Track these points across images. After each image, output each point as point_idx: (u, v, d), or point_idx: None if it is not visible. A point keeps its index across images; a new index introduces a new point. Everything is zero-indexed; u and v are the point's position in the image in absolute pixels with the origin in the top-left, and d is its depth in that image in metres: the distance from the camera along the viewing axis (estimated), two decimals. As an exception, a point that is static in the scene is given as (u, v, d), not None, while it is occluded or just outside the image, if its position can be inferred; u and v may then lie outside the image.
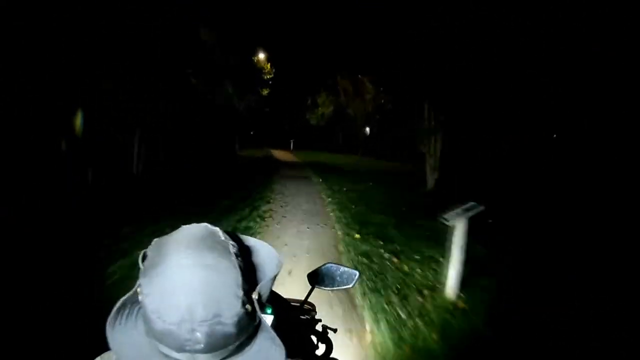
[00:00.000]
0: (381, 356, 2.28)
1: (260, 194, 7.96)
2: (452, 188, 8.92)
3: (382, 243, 4.43)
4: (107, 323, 0.48)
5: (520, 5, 7.46)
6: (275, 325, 0.61)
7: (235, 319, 0.44)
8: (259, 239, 0.62)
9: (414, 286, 3.20)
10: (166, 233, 0.51)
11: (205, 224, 0.53)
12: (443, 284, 3.02)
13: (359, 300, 2.98)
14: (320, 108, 25.27)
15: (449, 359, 2.22)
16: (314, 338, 1.16)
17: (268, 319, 0.65)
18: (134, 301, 0.50)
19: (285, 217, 5.82)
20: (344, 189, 9.39)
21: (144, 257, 0.49)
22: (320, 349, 1.16)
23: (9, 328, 2.16)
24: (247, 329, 0.47)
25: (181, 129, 11.50)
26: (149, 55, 8.00)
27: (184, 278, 0.44)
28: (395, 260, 3.85)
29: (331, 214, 6.25)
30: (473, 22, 7.43)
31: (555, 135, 14.17)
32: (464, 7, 7.49)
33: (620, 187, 8.74)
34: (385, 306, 2.83)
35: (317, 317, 1.21)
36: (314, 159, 19.91)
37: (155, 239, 0.51)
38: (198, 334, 0.42)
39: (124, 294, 0.50)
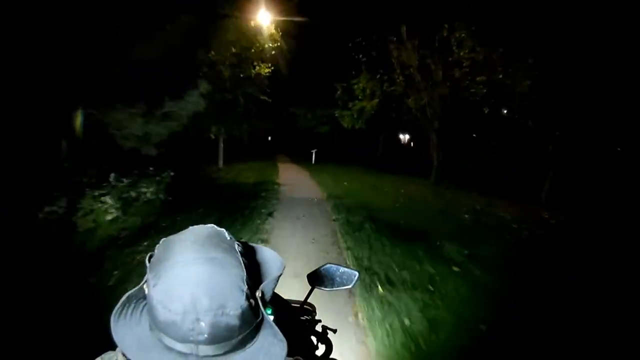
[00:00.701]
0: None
1: None
2: None
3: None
4: (112, 317, 0.50)
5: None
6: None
7: (239, 311, 0.46)
8: None
9: None
10: None
11: (212, 225, 0.57)
12: None
13: None
14: (359, 101, 15.95)
15: None
16: (314, 338, 1.17)
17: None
18: (140, 297, 0.52)
19: None
20: None
21: (151, 256, 0.52)
22: (320, 350, 1.17)
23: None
24: (251, 322, 0.48)
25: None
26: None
27: (189, 270, 0.46)
28: None
29: None
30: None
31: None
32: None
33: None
34: None
35: (317, 317, 1.22)
36: (349, 190, 10.58)
37: (164, 239, 0.54)
38: (202, 324, 0.43)
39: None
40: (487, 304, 3.40)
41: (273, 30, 12.03)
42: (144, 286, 0.50)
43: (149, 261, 0.51)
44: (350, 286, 1.17)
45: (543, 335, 2.94)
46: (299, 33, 15.33)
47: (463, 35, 10.27)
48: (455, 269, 4.26)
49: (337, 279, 1.18)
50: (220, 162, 13.69)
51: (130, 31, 6.32)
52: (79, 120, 6.58)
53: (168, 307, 0.44)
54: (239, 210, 6.49)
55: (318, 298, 1.23)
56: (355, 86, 15.97)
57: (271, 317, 0.62)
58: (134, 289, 0.52)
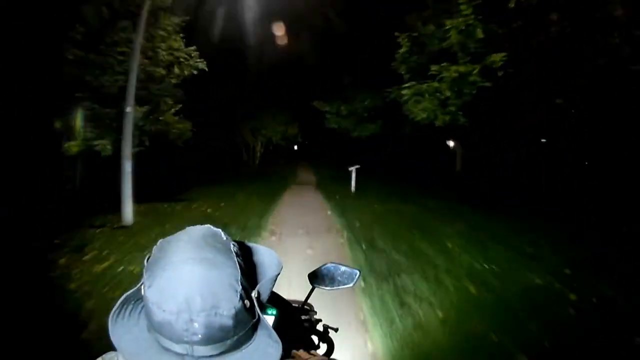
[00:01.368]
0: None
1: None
2: None
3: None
4: (110, 318, 0.50)
5: None
6: (277, 326, 0.63)
7: (233, 311, 0.45)
8: None
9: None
10: None
11: (209, 225, 0.57)
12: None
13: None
14: (452, 64, 7.06)
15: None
16: (315, 338, 1.17)
17: (269, 319, 0.68)
18: (138, 298, 0.52)
19: None
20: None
21: (148, 257, 0.52)
22: (322, 349, 1.17)
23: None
24: (245, 323, 0.48)
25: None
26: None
27: (183, 271, 0.46)
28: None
29: None
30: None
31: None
32: None
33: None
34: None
35: (317, 317, 1.20)
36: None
37: (161, 239, 0.54)
38: (196, 325, 0.43)
39: None
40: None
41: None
42: (141, 287, 0.49)
43: (147, 260, 0.51)
44: (350, 285, 1.16)
45: None
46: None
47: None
48: None
49: (338, 277, 1.18)
50: (127, 209, 5.58)
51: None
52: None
53: (162, 308, 0.44)
54: None
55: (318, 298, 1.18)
56: (448, 25, 7.05)
57: (273, 318, 0.68)
58: (132, 290, 0.51)
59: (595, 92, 7.17)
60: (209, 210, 7.31)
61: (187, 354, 0.45)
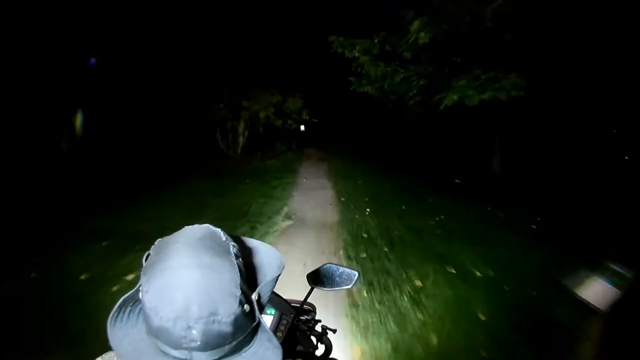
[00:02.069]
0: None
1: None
2: None
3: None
4: (108, 321, 0.49)
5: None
6: (275, 326, 0.64)
7: (232, 317, 0.44)
8: None
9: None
10: None
11: (207, 224, 0.54)
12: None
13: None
14: None
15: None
16: (313, 338, 1.16)
17: (268, 319, 0.70)
18: (136, 300, 0.51)
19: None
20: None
21: (147, 257, 0.50)
22: (320, 350, 1.16)
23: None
24: (245, 329, 0.47)
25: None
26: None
27: (181, 277, 0.44)
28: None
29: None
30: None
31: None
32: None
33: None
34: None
35: (316, 317, 1.20)
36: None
37: (159, 239, 0.52)
38: (194, 332, 0.42)
39: None
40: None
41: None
42: (139, 290, 0.47)
43: (145, 261, 0.50)
44: (350, 286, 1.14)
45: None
46: None
47: None
48: None
49: (337, 278, 1.15)
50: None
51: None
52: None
53: (159, 314, 0.43)
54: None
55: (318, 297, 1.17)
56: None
57: (271, 318, 0.67)
58: (130, 292, 0.50)
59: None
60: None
61: (185, 359, 0.43)
